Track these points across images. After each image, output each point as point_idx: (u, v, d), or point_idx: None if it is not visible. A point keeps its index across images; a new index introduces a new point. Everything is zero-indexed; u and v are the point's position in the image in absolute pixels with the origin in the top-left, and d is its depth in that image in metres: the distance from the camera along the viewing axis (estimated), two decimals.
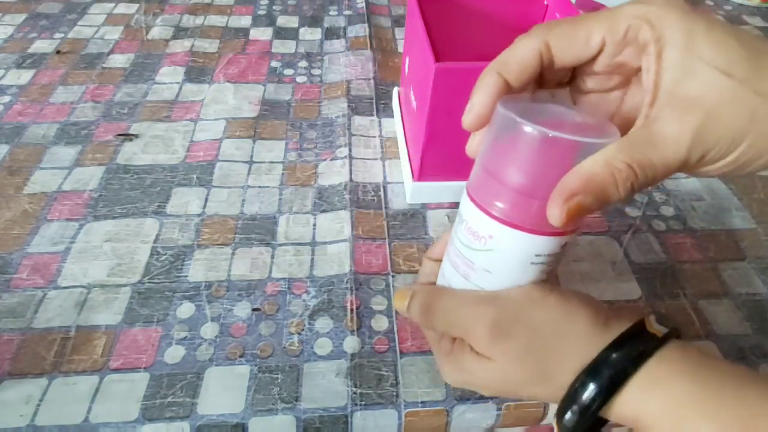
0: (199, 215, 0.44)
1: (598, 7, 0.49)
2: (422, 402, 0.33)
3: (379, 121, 0.54)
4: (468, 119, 0.24)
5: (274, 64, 0.61)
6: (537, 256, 0.23)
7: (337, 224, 0.43)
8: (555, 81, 0.26)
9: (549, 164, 0.22)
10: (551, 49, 0.23)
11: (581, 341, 0.24)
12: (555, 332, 0.24)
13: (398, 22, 0.71)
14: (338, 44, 0.66)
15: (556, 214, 0.21)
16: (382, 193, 0.46)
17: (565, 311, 0.24)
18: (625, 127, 0.23)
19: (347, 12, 0.72)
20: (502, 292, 0.25)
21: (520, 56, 0.23)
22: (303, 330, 0.36)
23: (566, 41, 0.23)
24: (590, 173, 0.21)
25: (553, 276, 0.26)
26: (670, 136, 0.21)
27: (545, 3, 0.46)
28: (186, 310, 0.37)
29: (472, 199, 0.24)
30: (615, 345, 0.23)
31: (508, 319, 0.24)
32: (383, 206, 0.45)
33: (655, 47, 0.22)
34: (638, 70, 0.23)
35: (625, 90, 0.25)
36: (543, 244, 0.23)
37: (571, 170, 0.21)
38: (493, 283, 0.25)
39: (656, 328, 0.23)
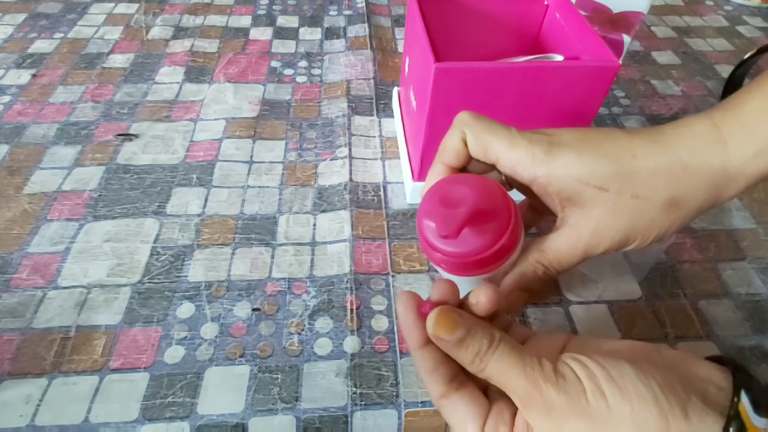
0: (199, 215, 0.44)
1: (599, 8, 0.49)
2: (422, 402, 0.33)
3: (379, 121, 0.54)
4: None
5: (274, 64, 0.61)
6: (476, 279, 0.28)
7: (337, 224, 0.43)
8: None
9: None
10: (465, 142, 0.28)
11: None
12: None
13: (398, 22, 0.71)
14: (338, 44, 0.66)
15: (503, 307, 0.27)
16: (382, 193, 0.46)
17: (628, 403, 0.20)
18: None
19: (347, 12, 0.72)
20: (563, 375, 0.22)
21: (451, 144, 0.28)
22: (303, 330, 0.36)
23: (472, 142, 0.28)
24: (519, 276, 0.28)
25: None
26: (569, 247, 0.27)
27: (545, 3, 0.46)
28: (186, 310, 0.37)
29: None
30: None
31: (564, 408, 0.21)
32: (383, 206, 0.45)
33: (541, 183, 0.27)
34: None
35: None
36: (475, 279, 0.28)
37: (509, 275, 0.28)
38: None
39: (757, 426, 0.20)
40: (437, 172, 0.30)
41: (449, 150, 0.29)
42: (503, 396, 0.23)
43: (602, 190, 0.25)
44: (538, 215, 0.33)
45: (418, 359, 0.24)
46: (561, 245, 0.27)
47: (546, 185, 0.26)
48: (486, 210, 0.26)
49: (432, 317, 0.23)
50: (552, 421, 0.21)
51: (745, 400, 0.20)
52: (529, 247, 0.29)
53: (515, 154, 0.27)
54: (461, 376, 0.24)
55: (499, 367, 0.22)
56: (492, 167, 0.29)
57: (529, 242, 0.29)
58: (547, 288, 0.40)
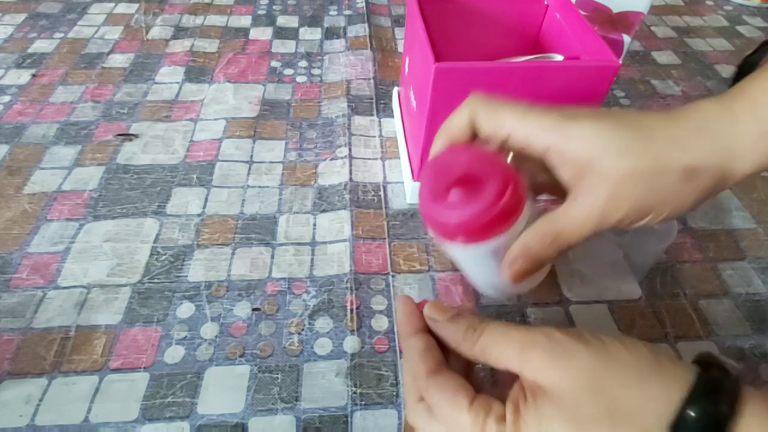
0: (199, 215, 0.44)
1: (599, 8, 0.49)
2: None
3: (379, 121, 0.54)
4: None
5: (274, 64, 0.61)
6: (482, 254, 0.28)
7: (337, 224, 0.43)
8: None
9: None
10: (475, 122, 0.28)
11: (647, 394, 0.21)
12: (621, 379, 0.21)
13: (398, 22, 0.71)
14: (338, 44, 0.66)
15: (506, 275, 0.27)
16: (382, 192, 0.46)
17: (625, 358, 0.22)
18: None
19: (347, 12, 0.72)
20: (555, 333, 0.23)
21: (456, 123, 0.28)
22: (303, 330, 0.36)
23: (484, 118, 0.27)
24: (526, 243, 0.27)
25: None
26: (583, 214, 0.26)
27: (545, 3, 0.46)
28: (186, 310, 0.37)
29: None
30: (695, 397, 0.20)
31: (564, 355, 0.22)
32: (383, 206, 0.45)
33: (556, 150, 0.26)
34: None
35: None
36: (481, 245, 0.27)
37: (516, 241, 0.27)
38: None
39: (726, 361, 0.22)
40: (437, 149, 0.29)
41: (454, 127, 0.28)
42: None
43: (619, 156, 0.25)
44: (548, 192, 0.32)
45: (412, 344, 0.25)
46: (573, 213, 0.26)
47: (561, 152, 0.26)
48: (482, 174, 0.25)
49: (427, 305, 0.26)
50: (554, 356, 0.22)
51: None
52: (540, 217, 0.28)
53: (528, 124, 0.26)
54: (446, 364, 0.26)
55: (494, 333, 0.24)
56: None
57: (539, 212, 0.28)
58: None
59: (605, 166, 0.25)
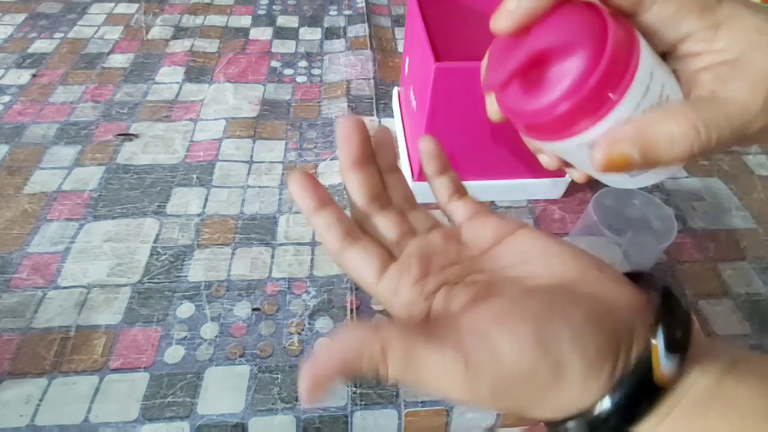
0: (199, 215, 0.44)
1: None
2: (422, 402, 0.33)
3: (379, 121, 0.54)
4: (509, 21, 0.21)
5: (274, 64, 0.61)
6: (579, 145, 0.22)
7: None
8: None
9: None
10: None
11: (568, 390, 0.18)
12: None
13: (398, 22, 0.71)
14: (338, 44, 0.66)
15: (597, 158, 0.21)
16: None
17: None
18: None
19: (347, 12, 0.72)
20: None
21: None
22: (303, 330, 0.36)
23: None
24: (643, 123, 0.20)
25: None
26: (740, 100, 0.21)
27: None
28: (186, 310, 0.37)
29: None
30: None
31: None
32: None
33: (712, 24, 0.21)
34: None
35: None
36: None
37: (633, 118, 0.21)
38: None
39: (664, 371, 0.18)
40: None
41: None
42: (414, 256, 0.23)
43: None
44: None
45: (314, 224, 0.24)
46: (733, 98, 0.21)
47: (747, 62, 0.21)
48: (564, 45, 0.20)
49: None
50: None
51: (660, 342, 0.18)
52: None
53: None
54: (355, 233, 0.24)
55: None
56: None
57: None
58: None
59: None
